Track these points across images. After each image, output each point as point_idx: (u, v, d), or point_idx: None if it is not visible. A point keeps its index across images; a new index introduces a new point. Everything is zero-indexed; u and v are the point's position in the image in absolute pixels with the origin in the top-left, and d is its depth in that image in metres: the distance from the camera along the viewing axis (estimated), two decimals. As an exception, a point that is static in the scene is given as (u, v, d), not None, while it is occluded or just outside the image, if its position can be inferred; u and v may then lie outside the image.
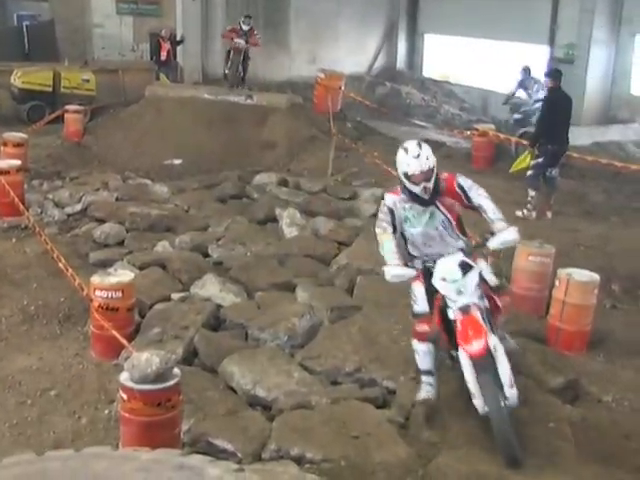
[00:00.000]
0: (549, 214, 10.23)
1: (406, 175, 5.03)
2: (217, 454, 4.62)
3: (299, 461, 4.64)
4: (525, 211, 10.14)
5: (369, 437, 4.89)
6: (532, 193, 10.23)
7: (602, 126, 14.68)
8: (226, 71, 15.87)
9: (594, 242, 9.21)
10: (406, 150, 5.09)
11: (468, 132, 13.91)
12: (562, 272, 6.59)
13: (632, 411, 5.62)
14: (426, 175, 5.00)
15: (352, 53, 20.24)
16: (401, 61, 21.77)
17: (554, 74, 10.44)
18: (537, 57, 16.77)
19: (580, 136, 12.02)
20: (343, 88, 15.91)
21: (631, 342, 6.74)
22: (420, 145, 5.15)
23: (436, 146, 14.78)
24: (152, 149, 12.65)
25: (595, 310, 6.59)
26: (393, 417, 5.27)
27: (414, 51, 21.77)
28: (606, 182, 11.74)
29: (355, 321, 6.44)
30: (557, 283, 6.57)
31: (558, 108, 10.09)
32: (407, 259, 5.18)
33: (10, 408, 5.45)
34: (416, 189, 5.03)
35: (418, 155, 5.02)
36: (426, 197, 5.07)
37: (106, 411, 5.37)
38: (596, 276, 6.55)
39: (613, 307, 7.63)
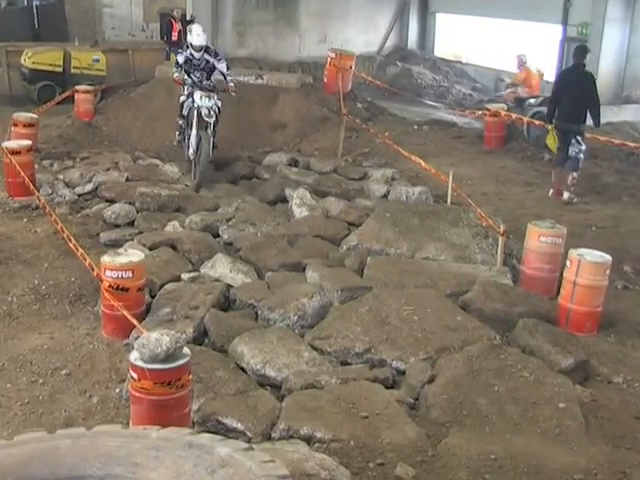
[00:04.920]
0: (566, 195, 10.14)
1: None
2: (227, 433, 4.64)
3: (308, 441, 4.65)
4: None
5: (378, 417, 4.90)
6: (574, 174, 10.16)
7: (615, 106, 14.55)
8: (182, 143, 11.08)
9: (606, 223, 9.18)
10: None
11: (480, 112, 13.82)
12: (573, 253, 6.56)
13: (643, 392, 5.60)
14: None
15: (363, 32, 20.08)
16: (412, 41, 21.59)
17: (575, 51, 10.34)
18: (550, 36, 16.62)
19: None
20: (354, 68, 15.81)
21: (642, 323, 6.72)
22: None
23: (447, 126, 14.81)
24: (162, 129, 12.61)
25: (606, 291, 6.57)
26: (402, 397, 5.28)
27: (425, 31, 21.58)
28: (619, 162, 11.66)
29: (365, 302, 6.43)
30: (568, 264, 6.55)
31: (568, 86, 10.01)
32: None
33: (22, 387, 5.48)
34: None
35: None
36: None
37: (117, 390, 5.40)
38: (608, 257, 6.52)
39: (625, 288, 7.60)
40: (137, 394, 4.47)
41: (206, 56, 10.38)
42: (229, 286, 6.87)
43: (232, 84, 10.56)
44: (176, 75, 10.39)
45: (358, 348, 5.83)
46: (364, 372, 5.57)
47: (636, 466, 4.62)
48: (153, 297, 6.60)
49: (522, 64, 14.60)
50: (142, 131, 12.91)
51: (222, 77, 10.64)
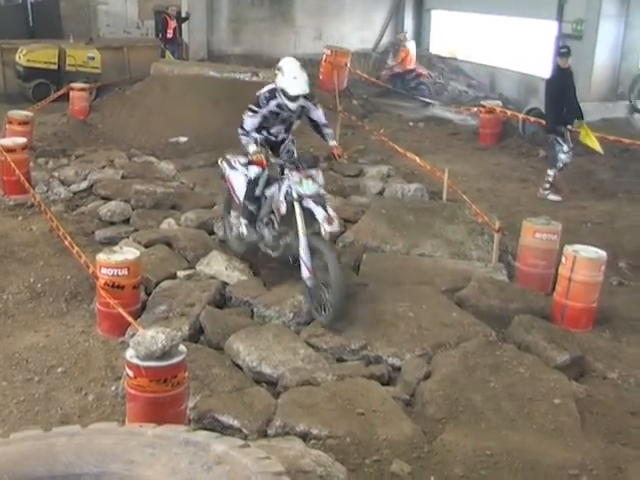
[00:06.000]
0: (540, 191, 10.26)
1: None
2: (223, 430, 4.65)
3: (304, 437, 4.66)
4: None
5: (374, 414, 4.91)
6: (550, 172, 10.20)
7: (610, 102, 14.55)
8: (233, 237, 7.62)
9: (601, 219, 9.19)
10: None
11: (475, 109, 13.83)
12: (569, 249, 6.57)
13: (638, 387, 5.63)
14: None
15: (358, 29, 20.06)
16: (408, 37, 21.59)
17: (568, 53, 10.27)
18: (545, 33, 16.62)
19: (588, 112, 11.91)
20: (349, 65, 15.81)
21: (637, 319, 6.75)
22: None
23: (443, 123, 14.81)
24: (157, 127, 12.58)
25: (601, 287, 6.58)
26: (398, 394, 5.29)
27: (421, 27, 21.53)
28: (613, 159, 11.67)
29: (361, 298, 6.44)
30: (564, 260, 6.56)
31: (566, 88, 10.04)
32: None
33: (17, 385, 5.47)
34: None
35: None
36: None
37: (112, 388, 5.40)
38: (603, 253, 6.53)
39: (620, 284, 7.62)
40: (133, 392, 4.47)
41: (302, 102, 6.63)
42: (225, 283, 6.86)
43: (335, 142, 7.01)
44: (253, 149, 6.49)
45: (354, 345, 5.84)
46: (360, 369, 5.58)
47: (631, 461, 4.64)
48: (149, 295, 6.59)
49: (402, 44, 14.94)
50: (137, 129, 12.87)
51: (317, 131, 6.95)
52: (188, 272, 7.09)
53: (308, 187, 6.29)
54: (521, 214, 8.41)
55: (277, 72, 6.57)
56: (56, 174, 10.13)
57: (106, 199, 9.23)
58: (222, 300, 6.67)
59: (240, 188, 7.02)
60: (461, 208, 8.38)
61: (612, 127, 12.36)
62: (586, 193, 10.45)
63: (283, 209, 6.52)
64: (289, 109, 6.60)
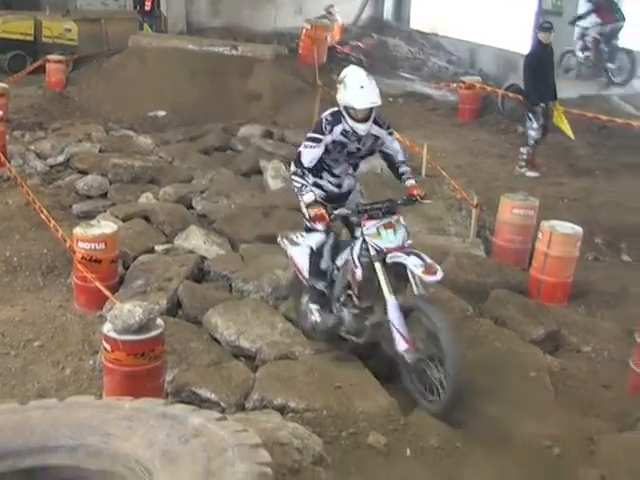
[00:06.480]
0: (516, 169, 10.26)
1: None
2: (201, 404, 4.66)
3: (282, 410, 4.68)
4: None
5: (351, 387, 4.94)
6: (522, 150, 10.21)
7: (589, 79, 14.58)
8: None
9: (578, 195, 9.24)
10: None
11: (455, 85, 13.80)
12: (545, 224, 6.61)
13: (611, 361, 5.72)
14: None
15: (338, 3, 19.89)
16: (388, 12, 21.41)
17: (551, 28, 10.18)
18: (525, 9, 16.59)
19: (567, 89, 11.95)
20: (329, 39, 15.69)
21: (611, 294, 6.82)
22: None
23: (422, 99, 14.77)
24: (135, 100, 12.46)
25: (577, 262, 6.64)
26: (375, 368, 5.31)
27: (401, 2, 21.41)
28: (591, 136, 11.72)
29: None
30: (540, 235, 6.61)
31: (546, 64, 10.02)
32: None
33: (-6, 359, 5.45)
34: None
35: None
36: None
37: (90, 361, 5.39)
38: (579, 229, 6.58)
39: (595, 259, 7.70)
40: (110, 365, 4.47)
41: (375, 130, 5.23)
42: (203, 258, 6.85)
43: (414, 181, 5.55)
44: (309, 199, 5.13)
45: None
46: (337, 343, 5.59)
47: (602, 432, 4.73)
48: (126, 269, 6.57)
49: (331, 16, 14.96)
50: (115, 102, 12.73)
51: (391, 168, 5.63)
52: (166, 246, 7.07)
53: (389, 239, 4.96)
54: (499, 190, 8.43)
55: (339, 86, 5.12)
56: (32, 147, 10.01)
57: (83, 173, 9.15)
58: (200, 274, 6.65)
59: (306, 266, 5.47)
60: (440, 184, 8.41)
61: (590, 104, 12.39)
62: (563, 169, 10.48)
63: (359, 274, 5.06)
64: (356, 135, 5.11)
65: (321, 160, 5.22)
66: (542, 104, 9.91)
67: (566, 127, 10.19)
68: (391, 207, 5.19)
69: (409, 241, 5.09)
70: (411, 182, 5.47)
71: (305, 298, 5.60)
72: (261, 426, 4.04)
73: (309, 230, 5.45)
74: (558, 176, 10.17)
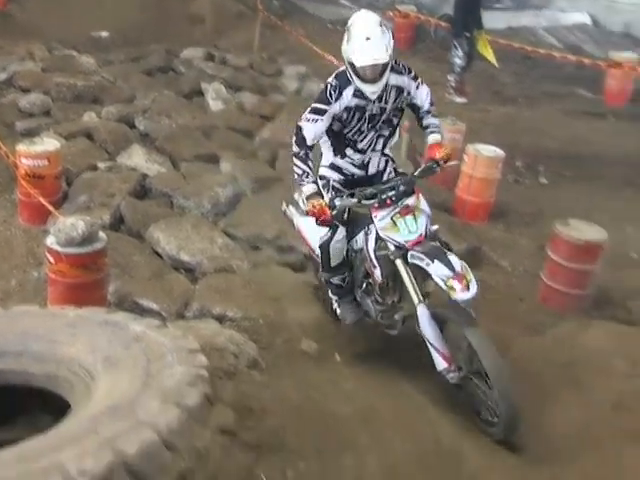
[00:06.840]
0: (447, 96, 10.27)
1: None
2: (143, 313, 4.63)
3: (220, 320, 4.72)
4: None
5: (286, 298, 5.00)
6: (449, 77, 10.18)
7: (517, 11, 14.53)
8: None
9: (502, 121, 9.33)
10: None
11: (390, 13, 13.59)
12: (470, 148, 6.67)
13: (525, 274, 5.88)
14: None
15: None
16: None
17: None
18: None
19: (495, 20, 11.92)
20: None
21: (529, 213, 6.99)
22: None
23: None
24: (78, 20, 11.92)
25: (499, 184, 6.75)
26: (309, 280, 5.37)
27: None
28: (516, 65, 11.77)
29: (276, 192, 6.41)
30: (466, 158, 6.67)
31: None
32: None
33: (-61, 271, 5.32)
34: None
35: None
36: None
37: (35, 274, 5.30)
38: (501, 152, 6.67)
39: (516, 181, 7.84)
40: (54, 277, 4.42)
41: (394, 79, 4.14)
42: (145, 175, 6.73)
43: (439, 137, 4.44)
44: (308, 190, 4.03)
45: (269, 235, 5.87)
46: (274, 257, 5.64)
47: (516, 338, 4.89)
48: (70, 185, 6.42)
49: None
50: (58, 21, 12.13)
51: (418, 121, 4.47)
52: (109, 164, 6.93)
53: (407, 229, 3.99)
54: (429, 115, 8.42)
55: (345, 35, 4.11)
56: (-26, 65, 9.55)
57: (26, 91, 8.78)
58: (142, 191, 6.56)
59: (316, 242, 4.43)
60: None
61: (517, 35, 12.43)
62: (489, 97, 10.53)
63: (378, 275, 4.12)
64: (368, 101, 4.03)
65: (342, 134, 4.16)
66: (467, 33, 9.87)
67: (490, 55, 10.16)
68: (406, 185, 4.08)
69: (434, 227, 4.15)
70: (434, 138, 4.37)
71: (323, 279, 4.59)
72: (199, 333, 4.07)
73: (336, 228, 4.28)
74: (484, 103, 10.23)
